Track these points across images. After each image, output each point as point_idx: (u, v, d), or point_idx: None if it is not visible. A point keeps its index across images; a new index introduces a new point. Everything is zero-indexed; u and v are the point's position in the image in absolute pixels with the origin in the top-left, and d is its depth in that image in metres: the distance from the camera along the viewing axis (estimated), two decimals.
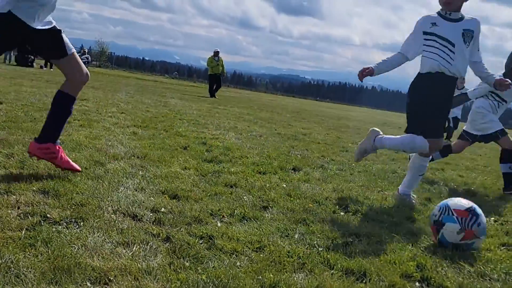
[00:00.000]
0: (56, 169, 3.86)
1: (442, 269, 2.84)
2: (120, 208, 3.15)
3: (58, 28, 3.65)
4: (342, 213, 3.84)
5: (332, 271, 2.62)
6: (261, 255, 2.70)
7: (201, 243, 2.77)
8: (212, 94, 21.24)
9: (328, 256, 2.79)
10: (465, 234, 3.21)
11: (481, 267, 2.94)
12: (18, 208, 2.92)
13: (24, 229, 2.60)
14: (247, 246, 2.81)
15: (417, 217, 3.98)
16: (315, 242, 3.04)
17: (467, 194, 5.30)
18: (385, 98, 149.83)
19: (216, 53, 21.74)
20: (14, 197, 3.09)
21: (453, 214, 3.27)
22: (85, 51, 28.25)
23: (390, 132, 14.08)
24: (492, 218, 4.28)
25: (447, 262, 2.97)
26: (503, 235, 3.73)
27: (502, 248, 3.42)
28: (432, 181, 5.84)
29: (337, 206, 4.01)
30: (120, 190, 3.58)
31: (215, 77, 21.68)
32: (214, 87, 21.71)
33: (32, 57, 26.21)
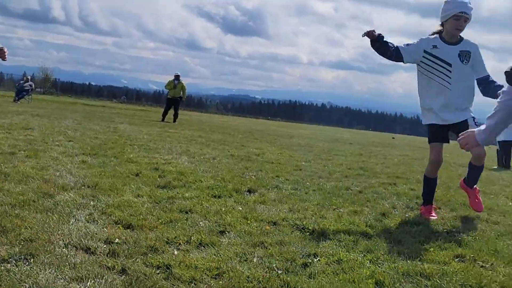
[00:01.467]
0: (2, 203, 3.71)
1: (400, 284, 2.86)
2: (72, 242, 3.05)
3: None
4: (299, 233, 3.83)
5: None
6: (220, 282, 2.66)
7: (158, 273, 2.70)
8: (164, 119, 20.95)
9: (288, 278, 2.77)
10: None
11: (438, 280, 2.97)
12: None
13: None
14: (205, 273, 2.76)
15: (373, 233, 4.01)
16: (274, 265, 3.01)
17: (419, 207, 5.39)
18: (334, 114, 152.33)
19: (177, 77, 21.52)
20: None
21: None
22: (28, 79, 27.50)
23: (341, 148, 14.27)
24: (445, 230, 4.36)
25: (405, 277, 2.99)
26: (456, 247, 3.79)
27: (456, 259, 3.47)
28: (385, 196, 5.92)
29: (294, 227, 4.00)
30: (71, 222, 3.47)
31: (173, 100, 21.38)
32: (169, 111, 21.28)
33: None
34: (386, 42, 4.84)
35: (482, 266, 3.35)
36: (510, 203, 6.16)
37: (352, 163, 9.94)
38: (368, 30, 4.79)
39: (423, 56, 4.85)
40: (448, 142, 5.02)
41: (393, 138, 35.70)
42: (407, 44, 4.91)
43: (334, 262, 3.18)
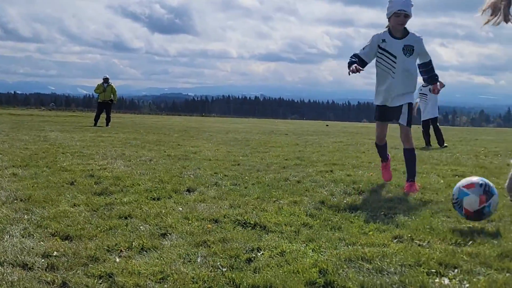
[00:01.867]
0: None
1: (343, 270, 2.92)
2: (8, 259, 2.94)
3: None
4: (241, 229, 3.84)
5: None
6: (166, 286, 2.64)
7: (100, 283, 2.64)
8: (97, 123, 20.52)
9: (233, 275, 2.78)
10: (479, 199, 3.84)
11: (378, 263, 3.06)
12: None
13: None
14: (149, 278, 2.73)
15: (313, 223, 4.08)
16: (218, 263, 3.01)
17: (356, 192, 5.53)
18: (268, 106, 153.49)
19: (106, 80, 21.12)
20: None
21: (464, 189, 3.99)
22: None
23: (277, 139, 14.42)
24: (382, 213, 4.49)
25: (347, 263, 3.06)
26: (394, 228, 3.91)
27: (395, 240, 3.58)
28: (323, 184, 6.03)
29: (235, 222, 4.01)
30: (5, 239, 3.34)
31: (103, 104, 20.99)
32: (101, 115, 20.93)
33: None
34: (357, 61, 5.49)
35: (419, 245, 3.47)
36: (442, 181, 6.41)
37: (289, 153, 10.06)
38: (353, 68, 5.27)
39: (377, 51, 5.61)
40: (390, 121, 5.83)
41: (327, 125, 36.36)
42: (363, 48, 5.64)
43: (278, 255, 3.21)
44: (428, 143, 13.72)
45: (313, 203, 4.88)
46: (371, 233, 3.78)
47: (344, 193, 5.46)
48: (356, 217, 4.30)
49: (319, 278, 2.79)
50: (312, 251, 3.31)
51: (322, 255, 3.23)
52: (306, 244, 3.45)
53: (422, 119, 14.09)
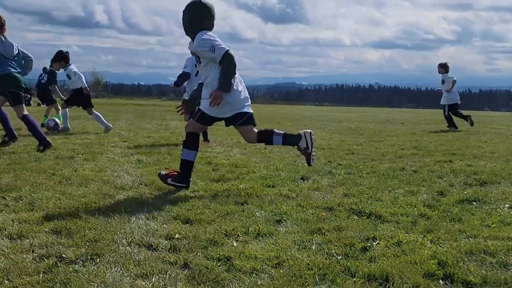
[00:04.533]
0: (66, 206, 3.85)
1: (464, 263, 2.81)
2: (135, 239, 3.14)
3: None
4: (356, 218, 3.82)
5: (354, 279, 2.60)
6: (281, 271, 2.68)
7: (219, 266, 2.75)
8: None
9: (348, 264, 2.77)
10: None
11: (503, 257, 2.91)
12: (33, 251, 2.91)
13: (41, 272, 2.59)
14: (265, 263, 2.79)
15: (431, 214, 3.95)
16: (333, 251, 3.02)
17: (477, 183, 5.27)
18: (383, 95, 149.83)
19: None
20: (28, 240, 3.09)
21: None
22: None
23: (393, 128, 14.05)
24: (507, 205, 4.25)
25: (468, 256, 2.94)
26: None
27: None
28: (442, 174, 5.81)
29: (350, 211, 3.99)
30: (132, 221, 3.57)
31: None
32: None
33: (29, 95, 26.27)
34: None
35: None
36: None
37: (405, 142, 9.78)
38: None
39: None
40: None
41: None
42: None
43: (394, 245, 3.15)
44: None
45: (431, 193, 4.73)
46: (494, 226, 3.59)
47: (465, 184, 5.23)
48: (478, 209, 4.11)
49: (438, 270, 2.70)
50: (430, 242, 3.21)
51: (441, 246, 3.12)
52: (424, 235, 3.35)
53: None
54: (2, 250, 2.91)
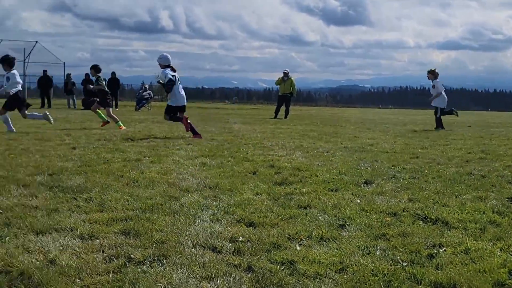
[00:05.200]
0: (134, 208, 3.97)
1: None
2: (200, 242, 3.20)
3: None
4: (421, 223, 3.74)
5: (420, 286, 2.55)
6: (345, 276, 2.67)
7: (283, 270, 2.76)
8: (277, 115, 21.17)
9: (414, 271, 2.73)
10: None
11: None
12: (103, 251, 3.02)
13: (111, 272, 2.68)
14: (329, 268, 2.79)
15: (501, 221, 3.82)
16: (398, 257, 2.97)
17: None
18: (448, 97, 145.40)
19: (285, 74, 21.82)
20: (98, 241, 3.21)
21: None
22: (146, 87, 28.90)
23: (459, 131, 13.66)
24: None
25: None
26: None
27: None
28: (511, 179, 5.60)
29: (415, 217, 3.91)
30: (197, 223, 3.64)
31: (283, 97, 21.65)
32: (281, 108, 21.54)
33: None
34: None
35: None
36: None
37: (472, 146, 9.49)
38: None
39: None
40: None
41: None
42: None
43: (462, 252, 3.07)
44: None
45: (500, 199, 4.58)
46: None
47: None
48: None
49: (509, 279, 2.62)
50: (500, 250, 3.11)
51: (511, 255, 3.02)
52: (494, 243, 3.25)
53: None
54: (74, 250, 3.04)
